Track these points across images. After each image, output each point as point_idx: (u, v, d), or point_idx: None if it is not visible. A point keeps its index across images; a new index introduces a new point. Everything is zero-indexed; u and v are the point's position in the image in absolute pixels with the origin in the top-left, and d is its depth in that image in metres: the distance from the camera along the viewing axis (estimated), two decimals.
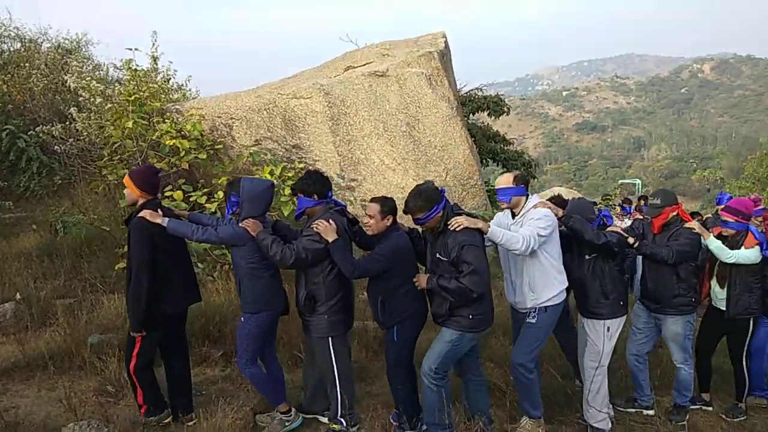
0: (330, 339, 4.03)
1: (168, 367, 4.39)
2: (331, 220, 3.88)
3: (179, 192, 6.97)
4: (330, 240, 3.81)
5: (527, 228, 3.86)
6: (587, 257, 4.25)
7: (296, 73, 10.10)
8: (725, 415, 4.75)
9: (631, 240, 4.32)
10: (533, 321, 4.04)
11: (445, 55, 9.54)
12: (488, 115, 14.40)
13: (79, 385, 4.86)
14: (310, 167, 8.21)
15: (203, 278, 6.70)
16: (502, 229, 3.84)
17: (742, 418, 4.73)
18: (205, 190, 7.14)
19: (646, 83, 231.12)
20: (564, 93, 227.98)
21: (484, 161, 14.16)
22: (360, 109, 8.45)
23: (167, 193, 6.98)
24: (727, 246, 4.51)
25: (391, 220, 3.96)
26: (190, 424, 4.25)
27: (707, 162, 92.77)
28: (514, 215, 4.13)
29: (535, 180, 16.60)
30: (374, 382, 5.24)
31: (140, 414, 4.20)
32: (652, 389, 4.83)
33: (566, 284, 4.11)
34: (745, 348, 4.72)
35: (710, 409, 4.90)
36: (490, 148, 13.93)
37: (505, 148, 14.48)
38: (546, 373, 4.97)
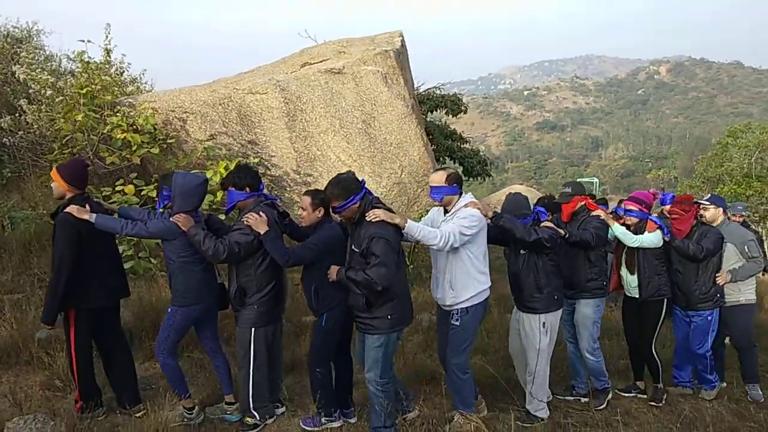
0: (252, 330, 4.07)
1: (109, 362, 4.41)
2: (261, 213, 3.95)
3: (131, 186, 6.93)
4: (261, 232, 3.88)
5: (451, 225, 3.93)
6: (522, 252, 4.36)
7: (252, 68, 10.07)
8: (652, 401, 4.97)
9: (562, 232, 4.47)
10: (457, 323, 4.12)
11: (401, 54, 9.65)
12: (446, 113, 14.55)
13: (25, 379, 4.84)
14: (266, 163, 8.26)
15: (156, 273, 6.68)
16: (420, 224, 3.89)
17: (665, 397, 4.99)
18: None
19: (605, 84, 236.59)
20: (525, 92, 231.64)
21: (441, 159, 14.33)
22: (316, 105, 8.50)
23: (118, 188, 6.93)
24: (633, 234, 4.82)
25: (322, 212, 4.05)
26: (138, 415, 4.29)
27: (662, 162, 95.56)
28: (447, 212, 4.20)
29: (492, 178, 16.85)
30: None
31: (75, 408, 4.22)
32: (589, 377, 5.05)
33: (488, 284, 4.20)
34: (656, 333, 4.97)
35: (645, 396, 5.14)
36: (447, 146, 14.09)
37: (462, 146, 14.65)
38: (483, 365, 5.15)
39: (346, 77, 8.65)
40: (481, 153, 15.77)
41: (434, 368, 5.27)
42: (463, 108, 14.71)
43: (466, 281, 4.05)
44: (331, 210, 3.96)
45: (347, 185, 3.78)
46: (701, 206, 5.13)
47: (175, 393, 4.36)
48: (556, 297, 4.41)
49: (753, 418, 4.73)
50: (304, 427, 4.24)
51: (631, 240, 4.78)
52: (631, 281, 4.97)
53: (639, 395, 5.17)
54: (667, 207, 7.73)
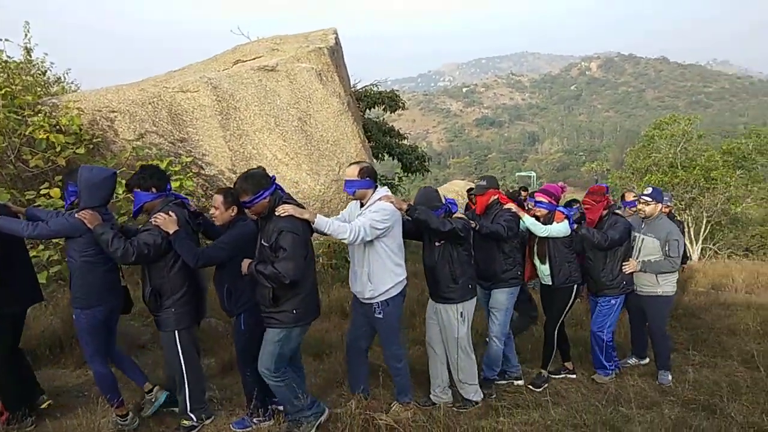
0: (177, 333, 3.98)
1: (16, 368, 4.22)
2: (170, 212, 3.86)
3: (56, 189, 6.67)
4: (171, 232, 3.79)
5: (362, 219, 3.95)
6: (437, 245, 4.41)
7: (183, 66, 9.85)
8: (531, 385, 5.09)
9: (473, 224, 4.59)
10: (380, 316, 4.17)
11: (335, 52, 9.66)
12: (384, 110, 14.65)
13: None
14: (199, 162, 8.11)
15: None
16: (330, 219, 3.90)
17: (546, 386, 5.10)
18: None
19: (539, 80, 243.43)
20: (464, 89, 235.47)
21: (380, 155, 14.44)
22: (250, 103, 8.41)
23: (43, 191, 6.66)
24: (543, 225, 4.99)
25: (235, 210, 3.97)
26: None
27: (595, 155, 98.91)
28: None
29: (431, 173, 17.08)
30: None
31: (1, 422, 4.06)
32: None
33: (404, 275, 4.23)
34: (562, 318, 5.16)
35: (573, 376, 5.36)
36: (385, 143, 14.20)
37: (400, 142, 14.80)
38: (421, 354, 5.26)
39: (280, 75, 8.60)
40: (422, 149, 15.98)
41: (372, 361, 5.33)
42: (400, 104, 14.85)
43: (383, 274, 4.10)
44: (241, 204, 3.88)
45: (256, 180, 3.73)
46: (642, 200, 5.23)
47: (107, 400, 4.23)
48: (471, 286, 4.48)
49: (673, 392, 5.00)
50: (234, 429, 4.17)
51: (541, 230, 4.92)
52: (543, 270, 5.13)
53: (568, 375, 5.38)
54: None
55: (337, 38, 10.15)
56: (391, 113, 14.92)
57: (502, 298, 4.90)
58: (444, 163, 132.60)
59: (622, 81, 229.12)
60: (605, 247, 5.07)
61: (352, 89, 13.18)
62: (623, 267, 5.16)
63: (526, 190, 9.29)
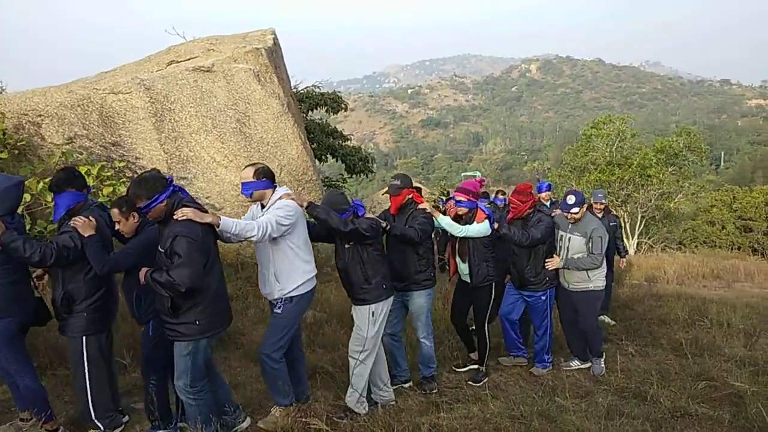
0: (84, 339, 3.86)
1: None
2: (91, 217, 3.76)
3: None
4: (86, 235, 3.68)
5: (267, 216, 3.87)
6: (347, 246, 4.34)
7: (115, 67, 9.52)
8: (471, 381, 5.19)
9: (384, 223, 4.51)
10: (279, 311, 4.07)
11: (274, 52, 9.54)
12: (326, 111, 14.60)
13: None
14: (132, 165, 7.86)
15: None
16: (236, 220, 3.77)
17: (485, 380, 5.19)
18: None
19: (482, 82, 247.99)
20: (409, 91, 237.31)
21: (323, 157, 14.38)
22: (186, 105, 8.19)
23: None
24: (464, 224, 4.99)
25: (137, 217, 3.83)
26: None
27: (536, 154, 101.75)
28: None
29: (374, 174, 17.12)
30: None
31: None
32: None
33: (313, 273, 4.18)
34: (488, 315, 5.20)
35: (476, 367, 5.44)
36: (328, 144, 14.15)
37: (343, 143, 14.78)
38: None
39: (216, 75, 8.41)
40: (369, 150, 16.04)
41: (315, 363, 5.31)
42: (343, 106, 14.84)
43: (291, 272, 4.03)
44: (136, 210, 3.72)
45: (150, 184, 3.53)
46: (570, 214, 5.18)
47: (34, 415, 4.03)
48: (385, 286, 4.41)
49: (606, 381, 5.19)
50: None
51: (458, 230, 4.92)
52: (463, 269, 5.17)
53: (472, 365, 5.48)
54: (544, 194, 8.26)
55: (275, 39, 10.02)
56: (334, 115, 14.89)
57: (422, 301, 4.88)
58: (391, 164, 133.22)
59: (560, 82, 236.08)
60: (527, 246, 5.14)
61: (294, 90, 13.07)
62: (546, 264, 5.23)
63: None
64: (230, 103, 8.45)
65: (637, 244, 25.02)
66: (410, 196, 4.83)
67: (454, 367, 5.48)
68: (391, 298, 4.50)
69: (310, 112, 14.65)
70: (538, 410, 4.38)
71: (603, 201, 7.27)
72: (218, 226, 3.64)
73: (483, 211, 5.03)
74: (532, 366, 5.54)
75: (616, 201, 24.16)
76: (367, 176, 15.52)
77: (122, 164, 7.47)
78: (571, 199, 5.18)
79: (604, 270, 5.34)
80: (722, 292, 10.41)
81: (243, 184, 4.02)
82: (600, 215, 7.12)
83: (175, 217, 3.53)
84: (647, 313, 7.65)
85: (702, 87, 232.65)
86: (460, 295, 5.39)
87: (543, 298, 5.35)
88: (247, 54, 8.76)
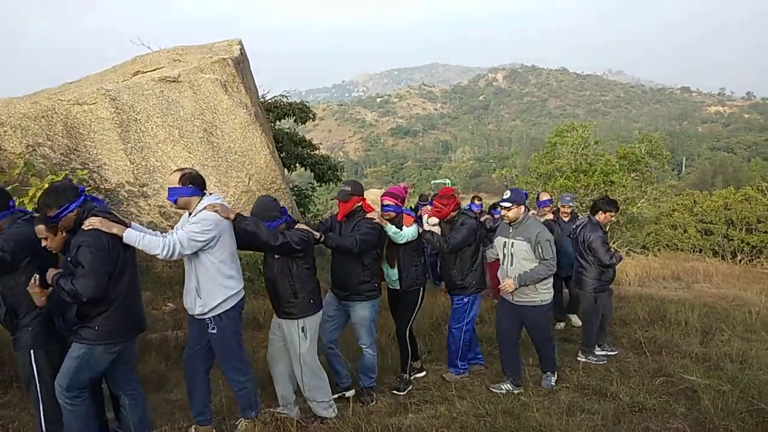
0: (32, 352, 3.76)
1: None
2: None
3: None
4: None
5: (181, 231, 3.74)
6: (275, 257, 4.24)
7: (79, 78, 9.45)
8: (396, 390, 5.06)
9: (317, 235, 4.39)
10: (214, 332, 3.93)
11: (241, 62, 9.59)
12: (294, 121, 14.66)
13: None
14: (96, 175, 7.80)
15: None
16: (142, 233, 3.63)
17: (409, 388, 5.13)
18: None
19: (450, 91, 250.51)
20: (378, 99, 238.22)
21: (292, 166, 14.41)
22: (152, 115, 8.19)
23: None
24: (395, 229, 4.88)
25: (65, 233, 3.63)
26: None
27: (504, 162, 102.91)
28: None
29: (340, 182, 17.21)
30: (173, 390, 5.23)
31: None
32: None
33: (238, 288, 4.02)
34: (411, 321, 5.16)
35: (423, 374, 5.49)
36: (297, 153, 14.19)
37: (312, 152, 14.84)
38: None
39: (182, 86, 8.43)
40: (339, 159, 16.13)
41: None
42: (311, 115, 14.91)
43: (212, 288, 3.87)
44: (44, 220, 3.57)
45: (59, 194, 3.48)
46: (502, 207, 5.01)
47: None
48: (313, 301, 4.30)
49: (568, 379, 5.35)
50: None
51: (400, 238, 4.84)
52: (392, 274, 5.05)
53: (417, 374, 5.47)
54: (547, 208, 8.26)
55: (242, 49, 10.07)
56: (302, 124, 14.96)
57: (365, 313, 4.78)
58: (361, 173, 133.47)
59: (526, 91, 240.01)
60: (448, 251, 5.14)
61: (261, 100, 13.10)
62: (501, 288, 5.07)
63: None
64: (197, 113, 8.47)
65: None
66: (359, 204, 4.73)
67: (395, 392, 5.17)
68: (320, 313, 4.42)
69: (278, 122, 14.69)
70: (502, 408, 4.52)
71: (571, 204, 7.32)
72: (123, 238, 3.53)
73: (409, 214, 5.03)
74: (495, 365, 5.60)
75: (582, 207, 24.67)
76: (336, 185, 15.59)
77: (85, 174, 7.39)
78: (506, 194, 5.02)
79: (551, 280, 5.07)
80: (681, 293, 10.72)
81: (168, 189, 3.86)
82: (567, 219, 7.30)
83: (83, 226, 3.47)
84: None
85: (663, 95, 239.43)
86: (393, 302, 5.26)
87: (465, 300, 5.29)
88: (214, 64, 8.80)
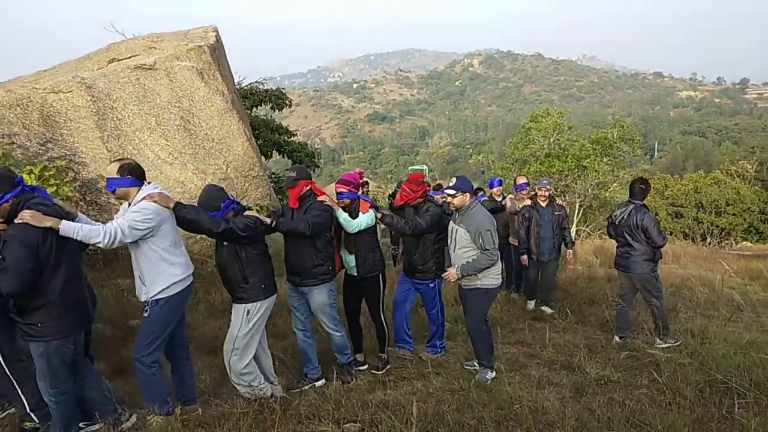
0: None
1: None
2: None
3: None
4: None
5: (121, 219, 3.73)
6: (225, 243, 4.28)
7: (54, 66, 9.38)
8: (374, 370, 5.15)
9: (268, 221, 4.37)
10: (146, 315, 3.91)
11: (216, 49, 9.60)
12: (271, 108, 14.68)
13: None
14: (74, 164, 7.81)
15: None
16: (79, 225, 3.57)
17: (388, 367, 5.24)
18: None
19: (426, 77, 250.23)
20: (354, 85, 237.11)
21: (269, 153, 14.46)
22: (128, 103, 8.19)
23: None
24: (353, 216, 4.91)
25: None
26: None
27: (481, 147, 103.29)
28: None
29: (320, 169, 17.31)
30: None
31: None
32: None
33: (183, 276, 3.98)
34: (381, 304, 5.23)
35: (364, 367, 5.35)
36: (274, 140, 14.24)
37: (289, 139, 14.90)
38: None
39: (158, 73, 8.44)
40: (316, 146, 16.20)
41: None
42: (287, 102, 14.94)
43: (155, 276, 3.86)
44: None
45: None
46: (447, 194, 4.98)
47: None
48: (264, 286, 4.34)
49: (539, 355, 5.60)
50: None
51: (352, 226, 4.86)
52: (350, 261, 5.06)
53: (359, 368, 5.30)
54: (495, 189, 8.41)
55: (217, 36, 10.08)
56: (278, 111, 14.99)
57: (324, 298, 4.77)
58: (338, 159, 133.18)
59: (502, 77, 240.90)
60: (410, 234, 5.21)
61: (237, 87, 13.10)
62: (444, 276, 5.04)
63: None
64: (174, 101, 8.50)
65: (576, 232, 26.05)
66: (308, 188, 4.72)
67: (373, 371, 5.22)
68: (272, 298, 4.45)
69: (254, 109, 14.70)
70: (475, 383, 4.74)
71: (548, 187, 7.40)
72: (59, 231, 3.47)
73: (365, 200, 5.04)
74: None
75: (556, 192, 25.06)
76: (313, 171, 15.69)
77: (63, 163, 7.41)
78: (452, 181, 5.00)
79: (498, 267, 4.99)
80: None
81: (107, 179, 3.82)
82: (544, 204, 7.43)
83: (14, 219, 3.42)
84: (579, 294, 8.17)
85: (636, 80, 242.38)
86: (349, 288, 5.30)
87: (431, 285, 5.42)
88: (190, 51, 8.81)
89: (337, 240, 5.08)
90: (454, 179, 4.98)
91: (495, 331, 6.17)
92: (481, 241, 4.76)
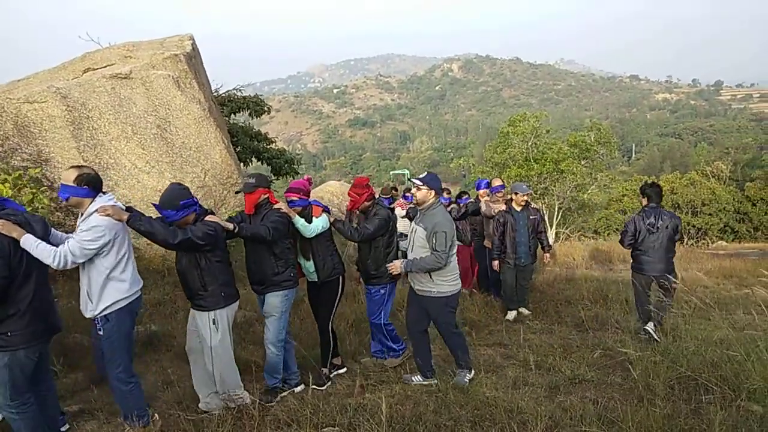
0: None
1: None
2: None
3: None
4: None
5: (72, 240, 3.67)
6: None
7: (28, 75, 9.30)
8: (315, 386, 4.89)
9: (230, 226, 4.34)
10: (101, 333, 3.85)
11: (193, 58, 9.60)
12: (249, 115, 14.66)
13: None
14: (50, 174, 7.76)
15: None
16: (39, 241, 3.53)
17: (329, 384, 5.11)
18: None
19: (407, 82, 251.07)
20: (335, 90, 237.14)
21: (248, 160, 14.43)
22: (104, 112, 8.16)
23: None
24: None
25: None
26: None
27: (461, 151, 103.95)
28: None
29: (300, 176, 17.30)
30: (143, 376, 5.33)
31: None
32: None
33: (130, 292, 3.92)
34: (333, 312, 5.15)
35: (344, 370, 5.45)
36: (253, 147, 14.22)
37: (268, 146, 14.88)
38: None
39: (134, 82, 8.42)
40: (297, 151, 16.19)
41: (247, 358, 5.52)
42: (266, 109, 14.93)
43: (102, 291, 3.81)
44: None
45: None
46: (414, 185, 4.84)
47: None
48: (224, 293, 4.30)
49: (515, 356, 5.69)
50: None
51: (309, 231, 4.85)
52: (308, 267, 5.02)
53: (339, 371, 5.42)
54: (482, 191, 8.33)
55: (194, 44, 10.08)
56: (257, 118, 14.98)
57: (276, 301, 4.70)
58: (320, 165, 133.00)
59: (481, 81, 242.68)
60: (359, 241, 5.25)
61: (215, 94, 13.08)
62: (388, 268, 4.94)
63: (396, 189, 9.21)
64: (150, 110, 8.49)
65: (556, 234, 26.34)
66: (265, 196, 4.72)
67: (315, 387, 4.94)
68: (234, 305, 4.44)
69: (232, 116, 14.67)
70: (453, 384, 4.81)
71: (528, 191, 7.35)
72: (21, 243, 3.47)
73: (318, 205, 5.03)
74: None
75: (536, 194, 25.30)
76: (294, 178, 15.68)
77: (37, 171, 7.32)
78: (422, 174, 4.96)
79: (453, 273, 4.81)
80: (625, 274, 11.27)
81: (61, 185, 3.77)
82: (519, 209, 7.36)
83: None
84: (556, 295, 8.30)
85: (613, 83, 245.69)
86: (313, 296, 5.26)
87: (382, 291, 5.42)
88: (166, 60, 8.81)
89: (294, 247, 5.02)
90: (425, 173, 4.95)
91: (472, 334, 6.27)
92: (434, 241, 4.60)
